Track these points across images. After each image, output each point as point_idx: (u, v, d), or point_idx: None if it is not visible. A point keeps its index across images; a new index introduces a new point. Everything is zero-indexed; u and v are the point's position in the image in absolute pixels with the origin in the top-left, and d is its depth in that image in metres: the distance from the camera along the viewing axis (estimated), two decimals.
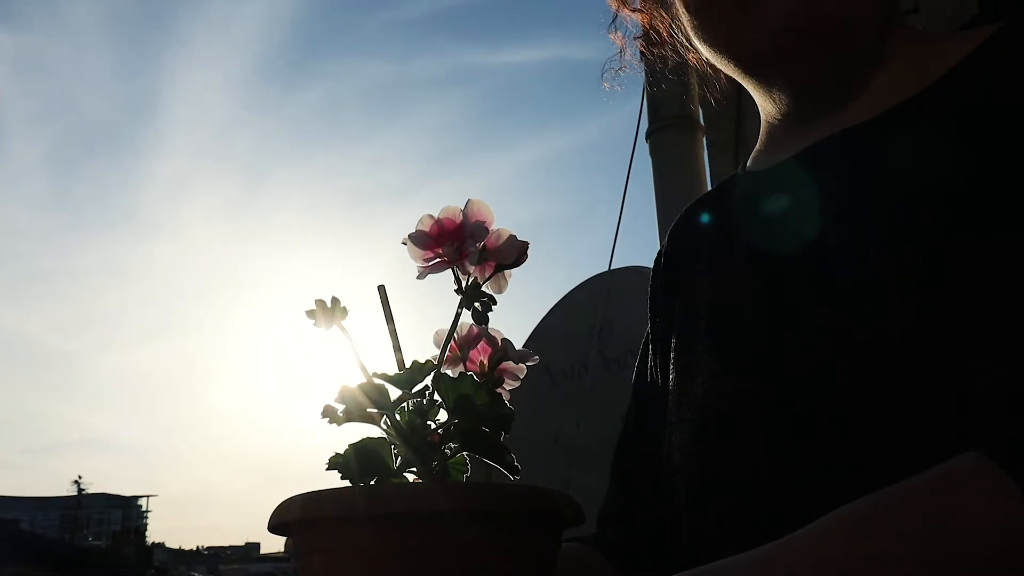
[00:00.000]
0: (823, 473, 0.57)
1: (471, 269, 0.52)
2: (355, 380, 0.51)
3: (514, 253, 0.53)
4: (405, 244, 0.52)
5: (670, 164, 2.65)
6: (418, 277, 0.52)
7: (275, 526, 0.48)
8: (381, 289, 0.54)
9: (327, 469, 0.48)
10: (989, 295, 0.53)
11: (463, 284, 0.53)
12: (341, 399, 0.49)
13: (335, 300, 0.50)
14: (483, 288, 0.53)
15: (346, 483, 0.48)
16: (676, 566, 0.50)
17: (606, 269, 3.06)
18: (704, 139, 2.62)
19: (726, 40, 0.71)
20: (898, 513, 0.42)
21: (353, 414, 0.49)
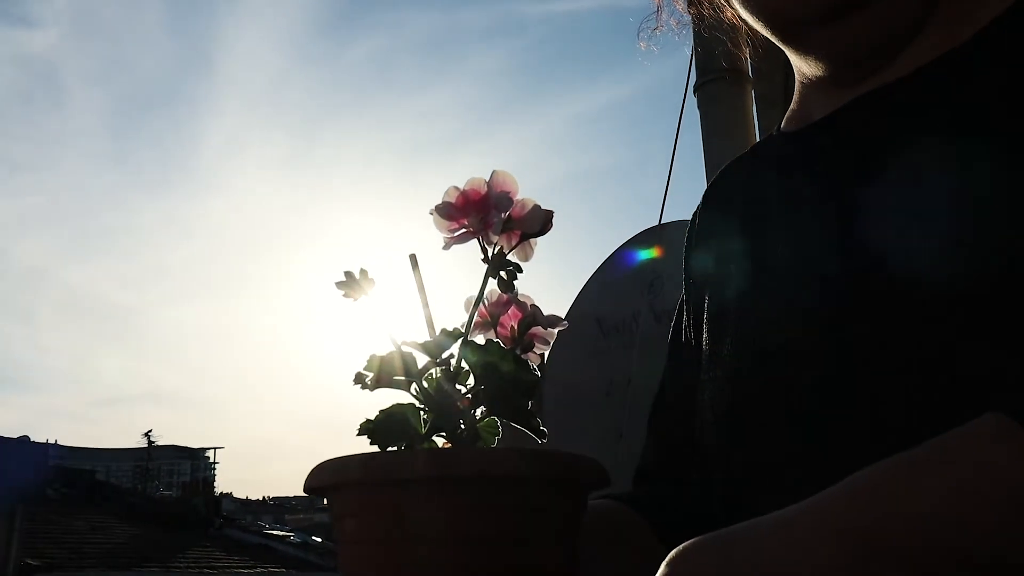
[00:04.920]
0: (846, 433, 0.57)
1: (496, 239, 0.53)
2: (386, 348, 0.53)
3: (539, 222, 0.54)
4: (432, 215, 0.53)
5: (718, 118, 2.61)
6: (443, 248, 0.53)
7: (309, 488, 0.50)
8: (412, 258, 0.56)
9: (357, 435, 0.49)
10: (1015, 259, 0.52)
11: (489, 253, 0.54)
12: (370, 367, 0.50)
13: (363, 271, 0.52)
14: (509, 257, 0.54)
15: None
16: (709, 522, 0.51)
17: (657, 223, 3.04)
18: (753, 92, 2.57)
19: (763, 6, 0.70)
20: (921, 473, 0.43)
21: (382, 381, 0.51)
